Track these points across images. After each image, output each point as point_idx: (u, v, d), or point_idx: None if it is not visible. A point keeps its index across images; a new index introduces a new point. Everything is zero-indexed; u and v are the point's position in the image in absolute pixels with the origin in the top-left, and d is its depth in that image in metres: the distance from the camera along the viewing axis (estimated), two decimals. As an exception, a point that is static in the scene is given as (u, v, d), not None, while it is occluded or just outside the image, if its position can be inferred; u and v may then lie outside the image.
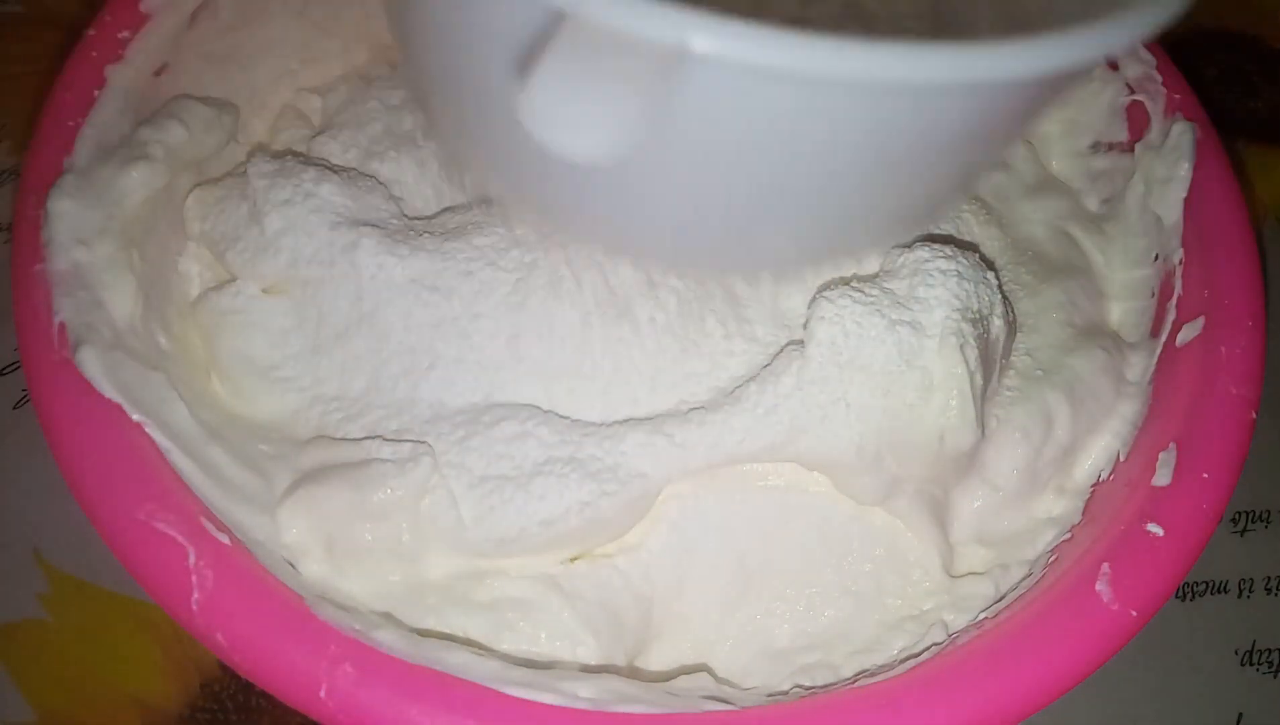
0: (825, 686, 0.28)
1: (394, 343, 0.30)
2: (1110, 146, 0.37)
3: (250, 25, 0.37)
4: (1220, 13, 0.53)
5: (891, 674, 0.26)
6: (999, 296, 0.30)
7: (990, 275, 0.30)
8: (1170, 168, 0.34)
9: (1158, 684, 0.36)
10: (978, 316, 0.29)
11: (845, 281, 0.30)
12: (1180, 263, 0.33)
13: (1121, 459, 0.30)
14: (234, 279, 0.32)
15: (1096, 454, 0.31)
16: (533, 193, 0.26)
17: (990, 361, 0.29)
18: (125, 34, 0.34)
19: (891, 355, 0.28)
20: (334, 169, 0.33)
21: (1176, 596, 0.37)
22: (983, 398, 0.29)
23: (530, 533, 0.28)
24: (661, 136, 0.19)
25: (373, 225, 0.32)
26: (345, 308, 0.31)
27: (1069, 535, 0.30)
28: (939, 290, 0.29)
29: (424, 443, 0.29)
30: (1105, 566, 0.26)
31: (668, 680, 0.29)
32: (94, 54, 0.33)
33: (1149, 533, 0.27)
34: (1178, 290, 0.32)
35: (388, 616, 0.27)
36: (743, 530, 0.30)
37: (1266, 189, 0.47)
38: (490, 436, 0.29)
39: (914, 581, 0.30)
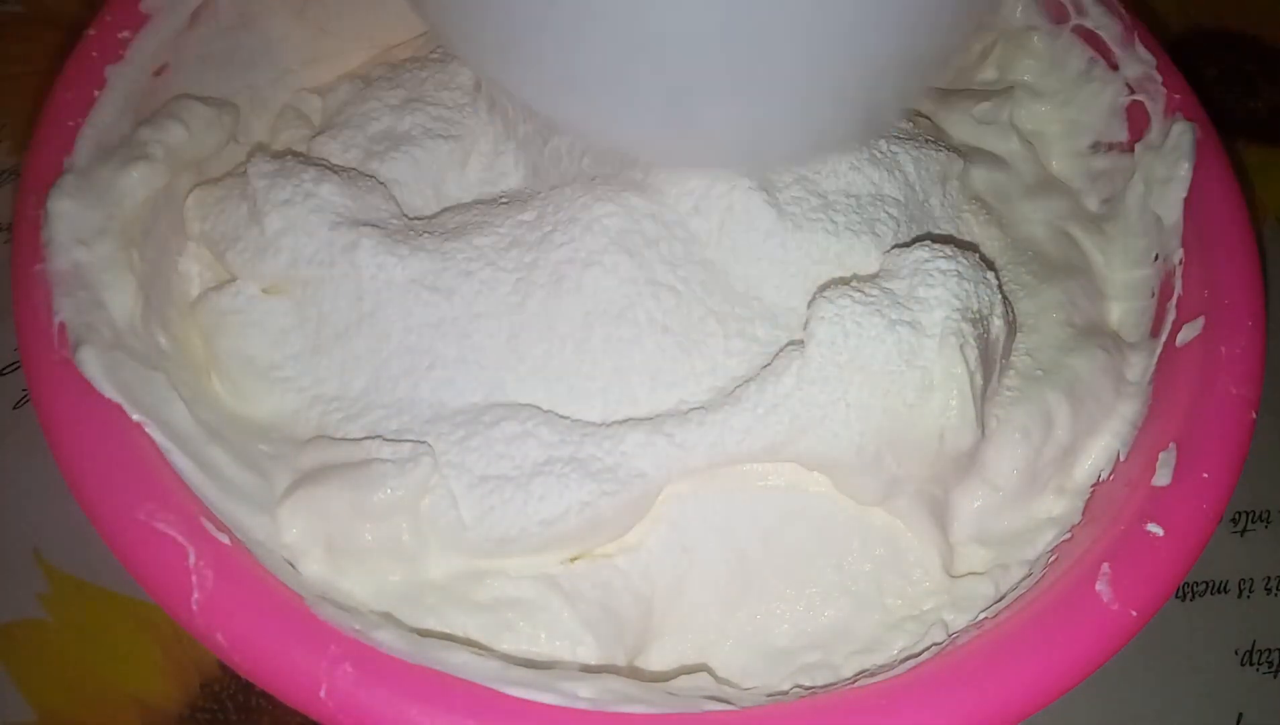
0: (825, 686, 0.28)
1: (394, 342, 0.30)
2: (1110, 146, 0.37)
3: (250, 25, 0.37)
4: (1220, 13, 0.53)
5: (891, 674, 0.26)
6: (999, 296, 0.30)
7: (990, 275, 0.30)
8: (1170, 168, 0.34)
9: (1158, 684, 0.36)
10: (978, 316, 0.29)
11: (845, 281, 0.30)
12: (1180, 263, 0.33)
13: (1121, 459, 0.30)
14: (234, 279, 0.32)
15: (1096, 454, 0.31)
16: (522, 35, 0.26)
17: (990, 361, 0.29)
18: (125, 34, 0.34)
19: (891, 355, 0.28)
20: (334, 169, 0.33)
21: (1176, 596, 0.37)
22: (983, 398, 0.29)
23: (530, 533, 0.28)
24: None
25: (373, 225, 0.32)
26: (345, 308, 0.31)
27: (1069, 535, 0.30)
28: (939, 290, 0.29)
29: (424, 443, 0.29)
30: (1105, 566, 0.26)
31: (668, 680, 0.29)
32: (94, 54, 0.33)
33: (1149, 533, 0.27)
34: (1178, 290, 0.32)
35: (388, 616, 0.27)
36: (743, 530, 0.30)
37: (1266, 189, 0.47)
38: (490, 436, 0.29)
39: (914, 581, 0.30)
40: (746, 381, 0.29)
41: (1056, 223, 0.36)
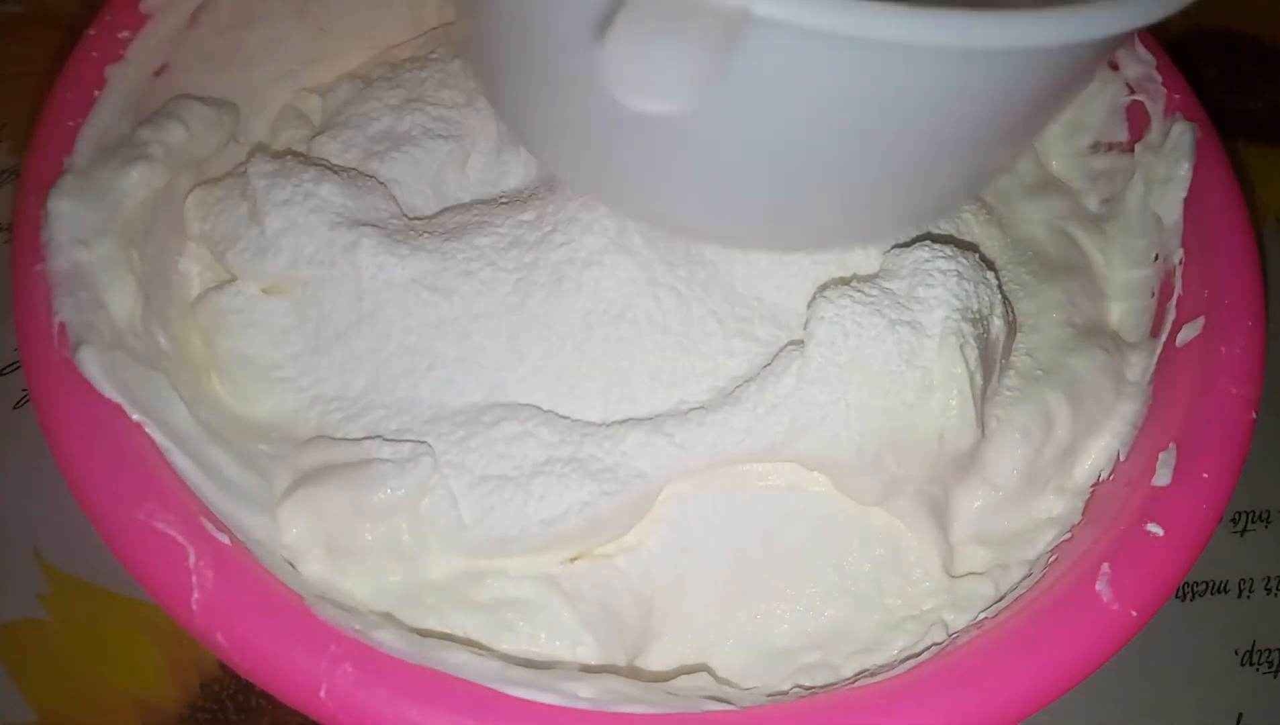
0: (825, 686, 0.28)
1: (394, 342, 0.30)
2: (1110, 146, 0.37)
3: (250, 25, 0.37)
4: (1220, 13, 0.53)
5: (891, 674, 0.26)
6: (999, 296, 0.30)
7: (990, 275, 0.30)
8: (1170, 168, 0.34)
9: (1158, 684, 0.36)
10: (978, 316, 0.29)
11: (845, 281, 0.30)
12: (1180, 263, 0.33)
13: (1121, 459, 0.30)
14: (234, 279, 0.32)
15: (1096, 454, 0.31)
16: (597, 161, 0.28)
17: (990, 361, 0.29)
18: (125, 34, 0.34)
19: (891, 355, 0.28)
20: (334, 169, 0.33)
21: (1176, 596, 0.37)
22: (983, 398, 0.29)
23: (530, 533, 0.28)
24: (726, 94, 0.21)
25: (373, 225, 0.32)
26: (345, 308, 0.31)
27: (1069, 535, 0.30)
28: (939, 290, 0.29)
29: (424, 443, 0.29)
30: (1105, 566, 0.26)
31: (668, 680, 0.29)
32: (94, 54, 0.33)
33: (1149, 533, 0.27)
34: (1178, 290, 0.32)
35: (388, 616, 0.27)
36: (743, 530, 0.30)
37: (1266, 189, 0.47)
38: (490, 436, 0.29)
39: (914, 581, 0.30)
40: (746, 381, 0.29)
41: (1056, 223, 0.36)
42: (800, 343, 0.29)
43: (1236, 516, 0.39)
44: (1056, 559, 0.29)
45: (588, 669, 0.27)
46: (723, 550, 0.29)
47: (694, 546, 0.29)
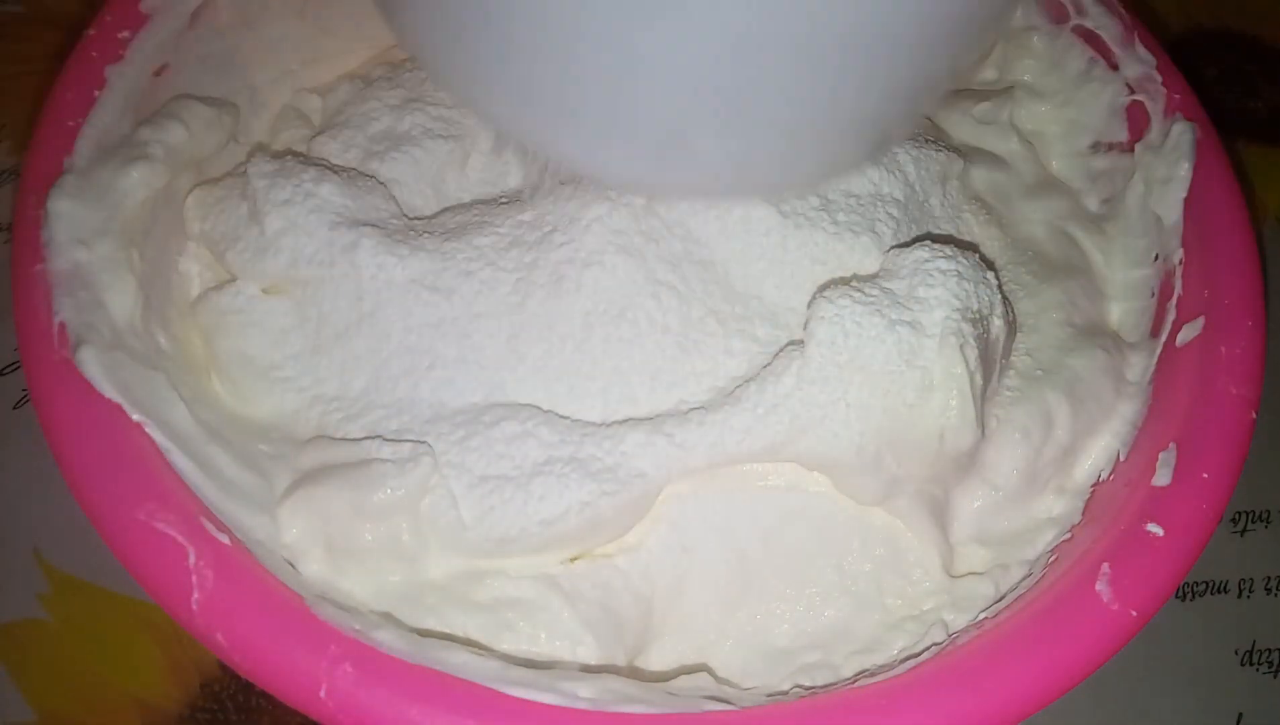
0: (825, 686, 0.28)
1: (394, 343, 0.30)
2: (1110, 146, 0.37)
3: (250, 25, 0.37)
4: (1220, 13, 0.53)
5: (891, 674, 0.26)
6: (999, 296, 0.30)
7: (990, 275, 0.30)
8: (1170, 168, 0.34)
9: (1158, 684, 0.36)
10: (978, 316, 0.29)
11: (845, 281, 0.30)
12: (1180, 263, 0.33)
13: (1121, 459, 0.30)
14: (234, 279, 0.32)
15: (1096, 454, 0.31)
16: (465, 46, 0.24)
17: (990, 361, 0.29)
18: (125, 34, 0.34)
19: (891, 355, 0.28)
20: (334, 169, 0.33)
21: (1176, 596, 0.37)
22: (983, 397, 0.29)
23: (530, 533, 0.28)
24: None
25: (373, 225, 0.32)
26: (345, 308, 0.31)
27: (1069, 535, 0.30)
28: (939, 290, 0.29)
29: (424, 443, 0.29)
30: (1105, 566, 0.26)
31: (668, 680, 0.29)
32: (94, 54, 0.33)
33: (1149, 533, 0.27)
34: (1178, 290, 0.32)
35: (388, 616, 0.27)
36: (743, 530, 0.30)
37: (1266, 189, 0.47)
38: (490, 436, 0.29)
39: (914, 581, 0.30)
40: (746, 381, 0.29)
41: (1056, 223, 0.36)
42: (800, 343, 0.29)
43: (1236, 516, 0.39)
44: (1056, 559, 0.29)
45: (588, 669, 0.27)
46: (723, 550, 0.29)
47: (694, 546, 0.29)
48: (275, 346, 0.31)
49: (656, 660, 0.29)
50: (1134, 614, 0.26)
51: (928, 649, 0.28)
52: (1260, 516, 0.39)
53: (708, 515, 0.29)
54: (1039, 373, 0.31)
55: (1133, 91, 0.37)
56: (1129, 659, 0.26)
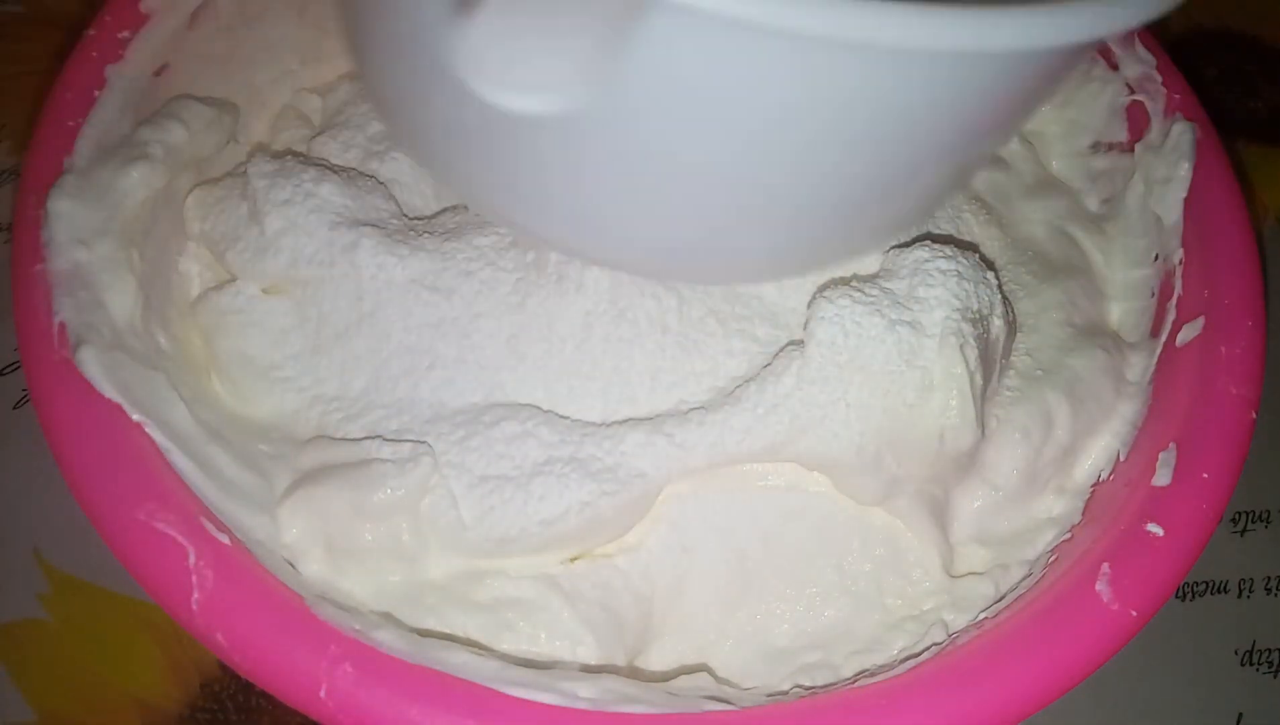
0: (825, 686, 0.28)
1: (394, 342, 0.30)
2: (1110, 146, 0.37)
3: (250, 25, 0.37)
4: (1220, 13, 0.53)
5: (891, 674, 0.26)
6: (999, 296, 0.30)
7: (990, 275, 0.30)
8: (1170, 168, 0.34)
9: (1158, 684, 0.36)
10: (978, 316, 0.29)
11: (845, 281, 0.30)
12: (1180, 263, 0.33)
13: (1121, 459, 0.30)
14: (234, 279, 0.32)
15: (1096, 454, 0.31)
16: (477, 171, 0.23)
17: (990, 361, 0.29)
18: (125, 34, 0.34)
19: (891, 355, 0.28)
20: (334, 169, 0.33)
21: (1176, 596, 0.37)
22: (982, 397, 0.29)
23: (530, 533, 0.28)
24: (624, 91, 0.17)
25: (373, 225, 0.32)
26: (345, 308, 0.31)
27: (1069, 535, 0.30)
28: (939, 290, 0.29)
29: (424, 443, 0.29)
30: (1105, 566, 0.26)
31: (668, 680, 0.29)
32: (94, 54, 0.33)
33: (1149, 533, 0.27)
34: (1178, 290, 0.32)
35: (388, 616, 0.27)
36: (743, 530, 0.30)
37: (1266, 189, 0.47)
38: (490, 436, 0.29)
39: (914, 581, 0.30)
40: (746, 381, 0.29)
41: (1056, 223, 0.36)
42: (800, 343, 0.29)
43: (1236, 516, 0.39)
44: (1056, 559, 0.29)
45: (588, 669, 0.27)
46: (723, 550, 0.29)
47: (694, 546, 0.29)
48: (275, 346, 0.31)
49: (656, 660, 0.29)
50: (1134, 614, 0.26)
51: (928, 649, 0.28)
52: (1260, 516, 0.39)
53: (708, 515, 0.29)
54: (1039, 373, 0.31)
55: (1133, 91, 0.37)
56: (1129, 659, 0.26)
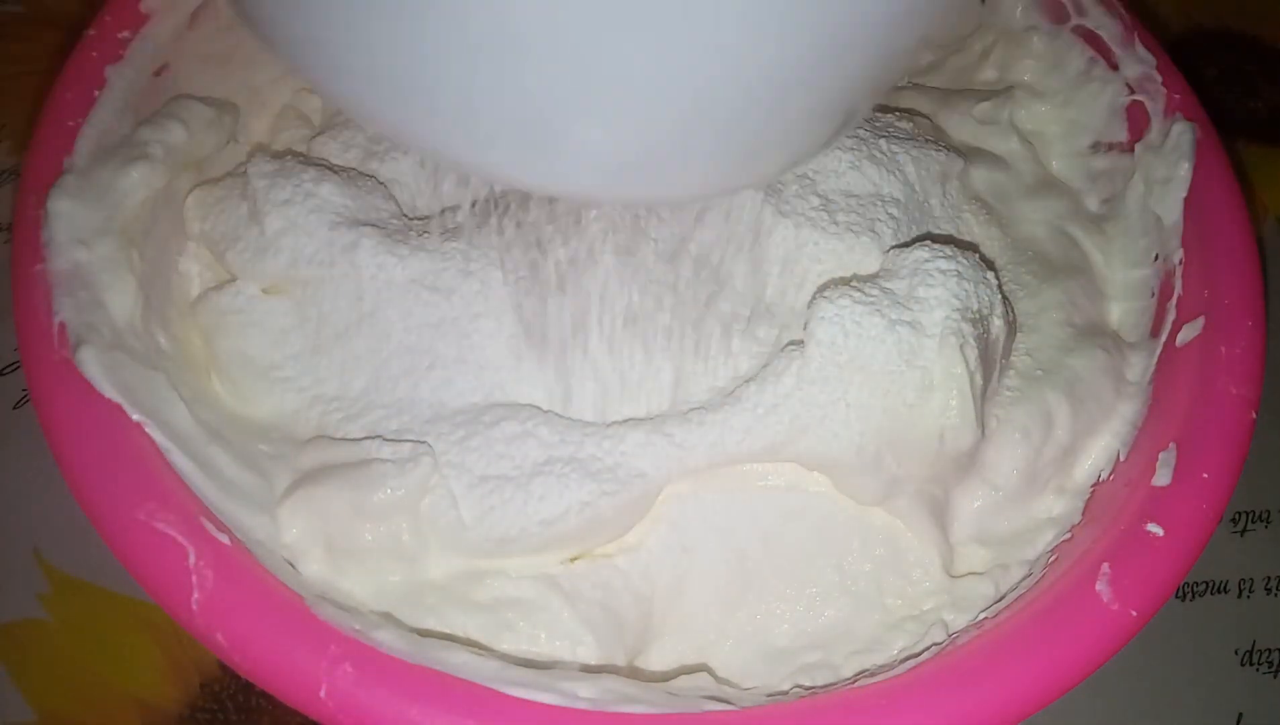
0: (825, 686, 0.28)
1: (394, 343, 0.30)
2: (1110, 146, 0.37)
3: (250, 25, 0.37)
4: (1220, 13, 0.53)
5: (891, 674, 0.26)
6: (999, 296, 0.30)
7: (990, 275, 0.30)
8: (1170, 168, 0.34)
9: (1158, 684, 0.36)
10: (978, 316, 0.29)
11: (845, 281, 0.30)
12: (1180, 263, 0.33)
13: (1121, 459, 0.30)
14: (234, 279, 0.32)
15: (1096, 454, 0.31)
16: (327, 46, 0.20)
17: (990, 361, 0.29)
18: (125, 34, 0.34)
19: (891, 355, 0.28)
20: (334, 169, 0.33)
21: (1176, 596, 0.37)
22: (983, 397, 0.29)
23: (530, 533, 0.28)
24: None
25: (373, 225, 0.32)
26: (345, 308, 0.31)
27: (1069, 535, 0.30)
28: (939, 290, 0.29)
29: (424, 443, 0.29)
30: (1105, 566, 0.26)
31: (668, 680, 0.29)
32: (94, 54, 0.33)
33: (1149, 533, 0.27)
34: (1178, 290, 0.32)
35: (388, 616, 0.27)
36: (743, 530, 0.30)
37: (1266, 189, 0.47)
38: (490, 436, 0.29)
39: (914, 581, 0.30)
40: (746, 381, 0.29)
41: (1056, 223, 0.36)
42: (800, 342, 0.29)
43: (1236, 516, 0.39)
44: (1056, 559, 0.29)
45: (588, 669, 0.27)
46: (723, 550, 0.29)
47: (694, 546, 0.29)
48: (275, 346, 0.31)
49: (656, 660, 0.29)
50: (1134, 614, 0.26)
51: (928, 649, 0.28)
52: (1260, 516, 0.39)
53: (708, 515, 0.29)
54: (1039, 373, 0.31)
55: (1133, 91, 0.37)
56: (1129, 659, 0.26)
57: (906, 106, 0.38)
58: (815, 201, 0.31)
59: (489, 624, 0.28)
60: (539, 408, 0.30)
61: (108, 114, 0.32)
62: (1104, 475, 0.31)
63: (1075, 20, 0.39)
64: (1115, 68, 0.38)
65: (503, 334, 0.30)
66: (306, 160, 0.33)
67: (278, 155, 0.34)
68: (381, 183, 0.33)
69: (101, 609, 0.35)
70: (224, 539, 0.26)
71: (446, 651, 0.25)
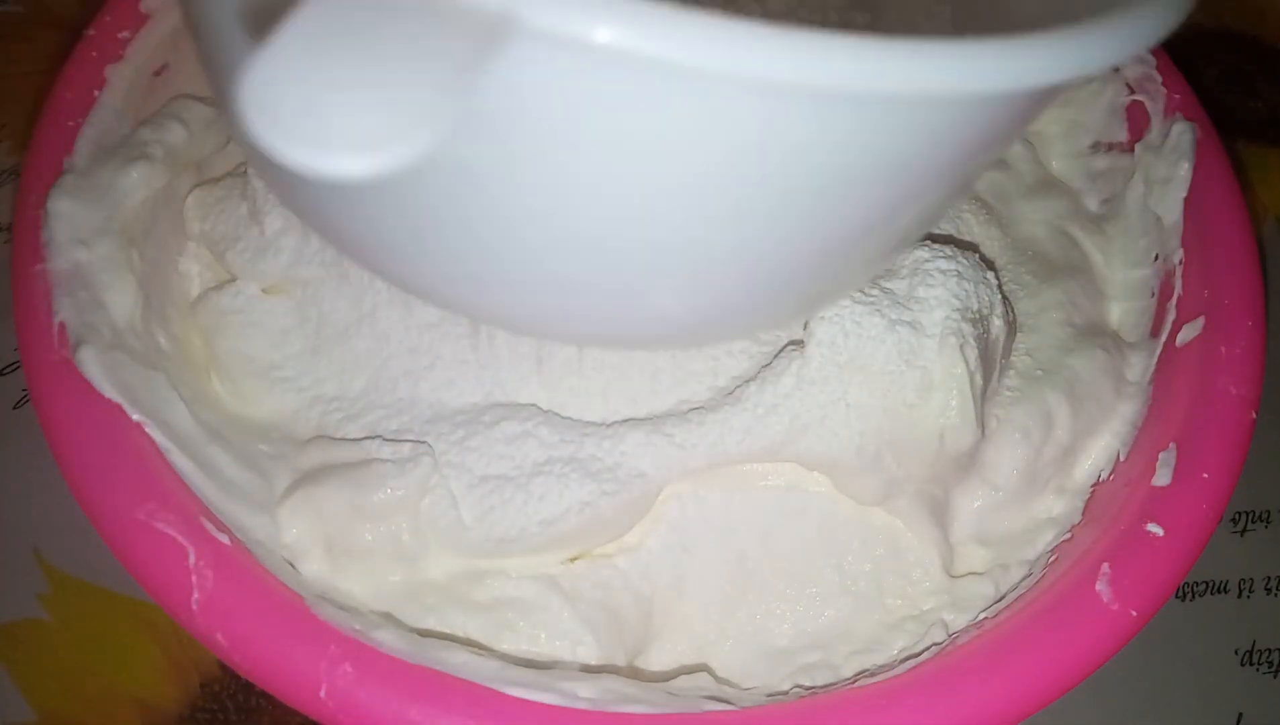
0: (825, 686, 0.28)
1: (394, 342, 0.30)
2: (1110, 146, 0.37)
3: (250, 25, 0.37)
4: (1220, 13, 0.53)
5: (891, 674, 0.26)
6: (999, 296, 0.30)
7: (990, 275, 0.30)
8: (1170, 168, 0.34)
9: (1158, 684, 0.36)
10: (977, 316, 0.29)
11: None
12: (1180, 263, 0.33)
13: (1121, 459, 0.30)
14: (234, 279, 0.32)
15: (1096, 454, 0.31)
16: (323, 214, 0.21)
17: (990, 361, 0.29)
18: (125, 34, 0.34)
19: (891, 355, 0.28)
20: (334, 169, 0.33)
21: (1176, 596, 0.37)
22: (983, 397, 0.29)
23: (530, 533, 0.28)
24: (476, 145, 0.15)
25: (373, 225, 0.32)
26: (345, 308, 0.31)
27: (1069, 535, 0.30)
28: (939, 290, 0.29)
29: (424, 442, 0.29)
30: (1105, 566, 0.26)
31: (668, 680, 0.29)
32: (94, 54, 0.33)
33: (1149, 533, 0.27)
34: (1178, 290, 0.32)
35: (388, 616, 0.27)
36: (743, 530, 0.30)
37: (1266, 189, 0.47)
38: (490, 436, 0.29)
39: (914, 581, 0.30)
40: (746, 381, 0.29)
41: (1056, 223, 0.36)
42: (800, 343, 0.29)
43: (1236, 516, 0.39)
44: (1056, 559, 0.29)
45: (588, 669, 0.27)
46: (723, 550, 0.29)
47: (694, 546, 0.29)
48: (275, 346, 0.31)
49: (656, 660, 0.29)
50: (1134, 614, 0.26)
51: (928, 649, 0.28)
52: (1260, 516, 0.39)
53: (708, 515, 0.29)
54: (1039, 373, 0.31)
55: (1133, 91, 0.37)
56: (1129, 659, 0.26)
57: (906, 106, 0.38)
58: (815, 201, 0.31)
59: (489, 624, 0.28)
60: (539, 407, 0.30)
61: (108, 114, 0.32)
62: (1104, 475, 0.31)
63: (1075, 20, 0.39)
64: (1115, 68, 0.37)
65: (503, 333, 0.30)
66: (306, 160, 0.33)
67: (278, 155, 0.34)
68: (381, 182, 0.33)
69: (101, 609, 0.35)
70: (224, 539, 0.26)
71: (446, 651, 0.25)
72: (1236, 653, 0.37)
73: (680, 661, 0.29)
